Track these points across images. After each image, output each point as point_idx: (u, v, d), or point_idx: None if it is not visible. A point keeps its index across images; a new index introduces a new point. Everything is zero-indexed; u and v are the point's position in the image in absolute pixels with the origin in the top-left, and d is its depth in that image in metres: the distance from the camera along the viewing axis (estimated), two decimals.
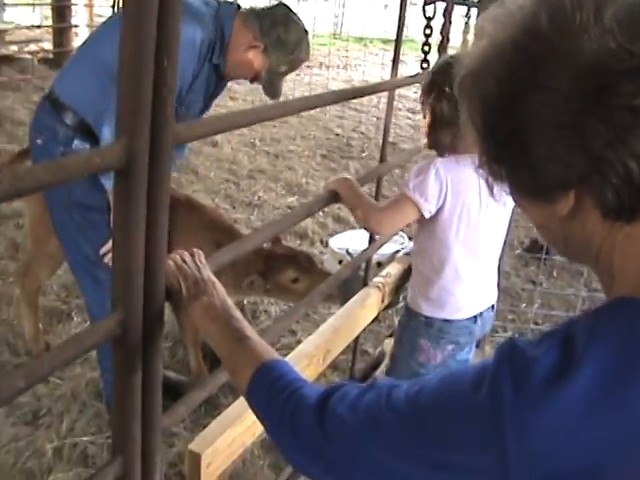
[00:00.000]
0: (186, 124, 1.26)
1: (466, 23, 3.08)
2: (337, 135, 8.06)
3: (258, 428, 1.82)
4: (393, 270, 2.88)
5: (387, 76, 9.86)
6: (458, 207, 2.07)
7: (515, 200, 0.92)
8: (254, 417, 1.72)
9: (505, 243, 2.37)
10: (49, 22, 10.73)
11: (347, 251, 3.80)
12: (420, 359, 2.31)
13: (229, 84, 2.75)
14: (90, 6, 10.91)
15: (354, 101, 8.56)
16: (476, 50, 0.86)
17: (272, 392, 1.04)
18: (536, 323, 4.11)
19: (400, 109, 9.12)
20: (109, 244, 2.28)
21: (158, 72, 1.05)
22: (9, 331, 3.32)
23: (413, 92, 9.19)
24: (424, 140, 2.32)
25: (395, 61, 2.52)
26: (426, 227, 2.16)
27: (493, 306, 2.35)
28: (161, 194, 1.15)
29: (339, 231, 5.08)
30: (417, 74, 2.70)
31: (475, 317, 2.27)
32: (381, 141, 2.61)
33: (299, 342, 3.60)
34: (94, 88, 2.26)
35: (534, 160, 0.81)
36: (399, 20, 2.44)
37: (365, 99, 8.60)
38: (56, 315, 3.58)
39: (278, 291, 3.01)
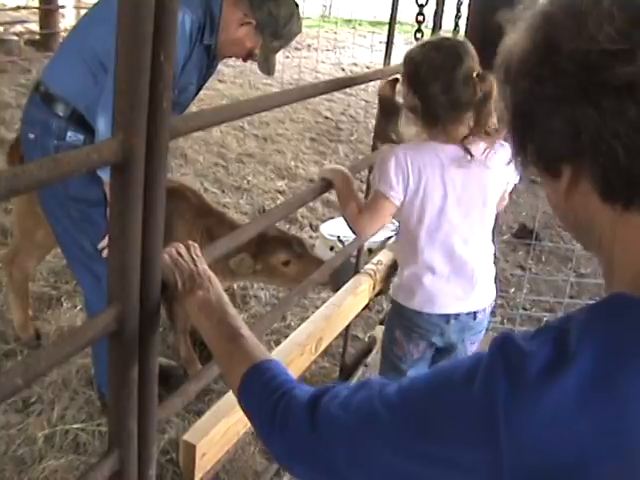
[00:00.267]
0: (182, 117, 1.25)
1: (458, 9, 3.06)
2: (326, 118, 8.04)
3: None
4: (384, 257, 2.89)
5: (376, 59, 9.77)
6: (420, 192, 2.02)
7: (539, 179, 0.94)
8: None
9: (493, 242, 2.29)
10: (35, 3, 10.59)
11: (338, 238, 3.80)
12: (397, 351, 2.28)
13: (217, 67, 2.72)
14: None
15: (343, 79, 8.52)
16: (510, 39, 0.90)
17: (264, 392, 1.04)
18: (525, 308, 4.13)
19: None
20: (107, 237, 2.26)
21: (155, 67, 1.04)
22: None
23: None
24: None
25: (388, 49, 2.51)
26: (399, 212, 2.13)
27: (476, 314, 2.19)
28: (158, 188, 1.14)
29: (328, 215, 5.08)
30: None
31: (448, 316, 2.16)
32: (369, 125, 2.61)
33: (289, 327, 3.63)
34: (84, 77, 2.24)
35: (538, 133, 0.84)
36: (392, 9, 2.43)
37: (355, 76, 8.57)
38: (45, 301, 3.56)
39: (268, 273, 2.98)
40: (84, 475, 1.20)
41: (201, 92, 2.70)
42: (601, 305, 0.80)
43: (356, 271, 2.79)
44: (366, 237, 2.25)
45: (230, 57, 2.60)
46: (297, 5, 2.50)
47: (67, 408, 2.79)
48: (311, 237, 4.70)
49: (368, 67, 10.80)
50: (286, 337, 2.91)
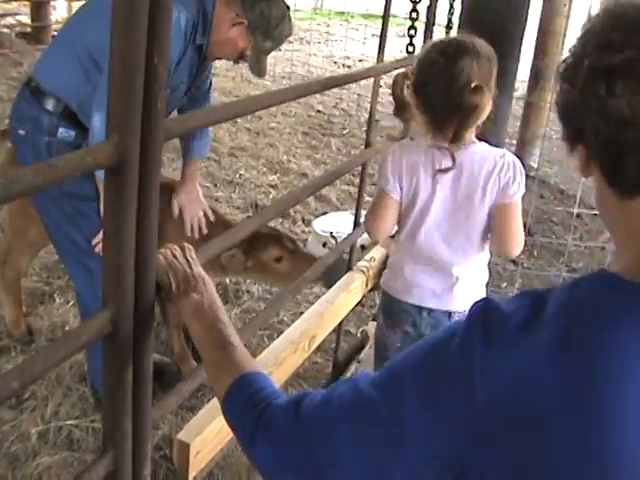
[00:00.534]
0: (176, 118, 1.26)
1: (451, 5, 3.06)
2: (318, 112, 8.02)
3: None
4: (377, 254, 2.89)
5: (368, 52, 9.71)
6: (411, 188, 2.11)
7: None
8: None
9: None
10: None
11: (331, 234, 3.81)
12: (382, 339, 2.33)
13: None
14: None
15: (337, 77, 8.50)
16: None
17: (249, 404, 1.04)
18: None
19: (381, 85, 9.05)
20: (101, 233, 2.26)
21: (149, 69, 1.04)
22: None
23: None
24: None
25: (381, 44, 2.51)
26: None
27: (452, 315, 2.19)
28: (152, 190, 1.15)
29: (321, 210, 5.08)
30: (403, 58, 2.70)
31: (421, 308, 2.19)
32: (362, 118, 2.62)
33: (282, 322, 3.63)
34: (76, 73, 2.23)
35: (560, 110, 0.90)
36: (385, 3, 2.43)
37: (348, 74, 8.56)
38: (38, 296, 3.55)
39: (259, 270, 2.97)
40: (79, 476, 1.20)
41: None
42: (585, 277, 0.85)
43: (349, 268, 2.79)
44: (378, 236, 2.29)
45: (221, 59, 2.59)
46: (288, 7, 2.51)
47: (61, 404, 2.79)
48: (304, 232, 4.70)
49: (361, 60, 10.78)
50: (279, 332, 2.91)
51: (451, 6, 3.05)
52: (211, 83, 2.78)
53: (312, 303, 2.65)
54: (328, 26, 13.10)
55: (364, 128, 2.71)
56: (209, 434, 1.70)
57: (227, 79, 8.78)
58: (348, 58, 11.07)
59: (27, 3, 9.79)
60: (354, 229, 2.76)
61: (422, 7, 2.73)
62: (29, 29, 9.27)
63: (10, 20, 9.83)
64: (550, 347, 0.78)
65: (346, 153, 6.55)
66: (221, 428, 1.77)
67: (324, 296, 2.56)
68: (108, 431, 1.27)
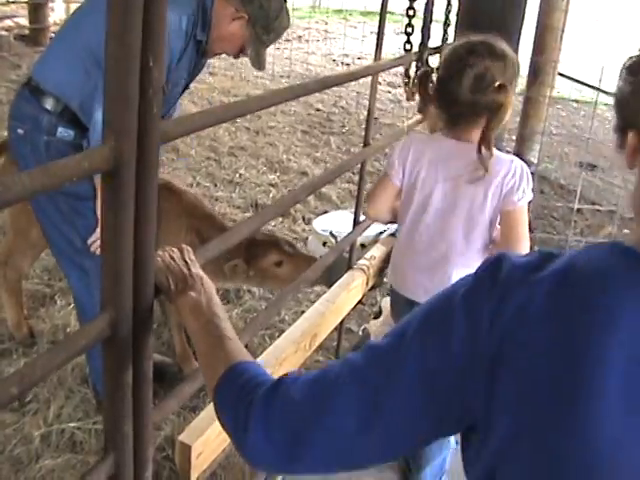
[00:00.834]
0: (173, 121, 1.25)
1: (448, 2, 3.05)
2: (318, 110, 8.01)
3: None
4: (377, 252, 2.90)
5: (367, 50, 9.72)
6: (412, 178, 2.17)
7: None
8: None
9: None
10: None
11: (331, 233, 3.80)
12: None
13: (208, 61, 2.71)
14: None
15: (335, 76, 8.50)
16: None
17: (242, 392, 1.03)
18: None
19: (380, 83, 9.06)
20: (97, 232, 2.26)
21: (144, 72, 1.04)
22: None
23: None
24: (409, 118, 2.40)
25: (378, 42, 2.51)
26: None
27: None
28: (149, 193, 1.15)
29: (321, 209, 5.08)
30: (401, 57, 2.69)
31: (413, 303, 2.19)
32: (361, 116, 2.63)
33: (283, 321, 3.64)
34: (78, 73, 2.21)
35: (616, 100, 0.94)
36: (382, 2, 2.43)
37: (346, 73, 8.56)
38: (39, 299, 3.55)
39: (261, 276, 2.98)
40: None
41: (192, 85, 2.69)
42: (597, 244, 0.89)
43: (349, 266, 2.79)
44: (372, 215, 2.37)
45: (220, 54, 2.59)
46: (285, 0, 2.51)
47: (63, 407, 2.79)
48: (304, 231, 4.70)
49: (359, 58, 10.77)
50: (280, 332, 2.91)
51: (449, 3, 3.04)
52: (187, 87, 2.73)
53: (313, 302, 2.65)
54: (326, 24, 13.11)
55: (363, 126, 2.70)
56: (211, 435, 1.70)
57: (226, 78, 8.78)
58: (347, 56, 11.06)
59: (25, 5, 9.78)
60: (354, 228, 2.75)
61: (419, 4, 2.72)
62: (27, 31, 9.25)
63: (8, 22, 9.81)
64: (550, 282, 0.82)
65: (346, 151, 6.55)
66: (222, 430, 1.77)
67: (325, 295, 2.56)
68: (109, 434, 1.27)
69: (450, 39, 2.95)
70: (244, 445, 1.00)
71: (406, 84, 2.64)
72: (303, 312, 2.51)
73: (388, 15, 2.58)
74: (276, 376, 1.05)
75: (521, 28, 3.16)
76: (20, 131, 2.32)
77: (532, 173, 2.15)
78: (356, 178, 4.23)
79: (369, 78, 2.63)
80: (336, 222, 4.03)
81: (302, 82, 2.03)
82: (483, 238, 2.12)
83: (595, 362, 0.76)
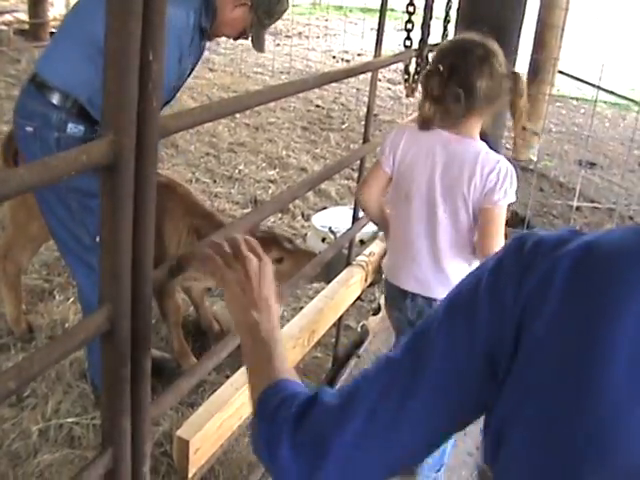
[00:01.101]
0: (172, 116, 1.25)
1: None
2: (317, 107, 8.01)
3: (245, 411, 1.84)
4: (376, 249, 2.90)
5: (367, 46, 9.70)
6: (402, 166, 2.19)
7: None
8: (241, 400, 1.74)
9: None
10: None
11: (330, 229, 3.80)
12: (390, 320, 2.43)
13: (207, 56, 2.73)
14: None
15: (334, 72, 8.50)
16: None
17: (281, 405, 0.99)
18: None
19: (380, 79, 9.04)
20: None
21: (144, 67, 1.04)
22: None
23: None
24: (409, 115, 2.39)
25: (378, 39, 2.50)
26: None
27: (433, 302, 2.21)
28: (148, 189, 1.15)
29: (320, 205, 5.08)
30: (401, 53, 2.69)
31: (405, 293, 2.24)
32: (361, 112, 2.63)
33: (282, 317, 3.63)
34: (84, 66, 2.17)
35: None
36: (382, 4, 2.43)
37: (345, 69, 8.55)
38: (38, 294, 3.55)
39: None
40: (78, 475, 1.20)
41: (192, 81, 2.71)
42: (622, 226, 0.90)
43: (348, 263, 2.79)
44: (362, 201, 2.37)
45: (221, 37, 2.61)
46: None
47: (61, 402, 2.79)
48: (303, 227, 4.70)
49: (359, 54, 10.77)
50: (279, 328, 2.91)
51: (449, 0, 3.04)
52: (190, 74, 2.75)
53: (312, 298, 2.66)
54: (326, 20, 13.11)
55: (363, 122, 2.71)
56: (208, 431, 1.70)
57: (226, 74, 8.77)
58: (347, 52, 11.06)
59: (24, 0, 9.78)
60: (353, 224, 2.75)
61: (420, 1, 2.72)
62: (27, 26, 9.25)
63: (8, 17, 9.81)
64: (575, 255, 0.81)
65: (345, 147, 6.55)
66: (221, 424, 1.77)
67: (323, 291, 2.56)
68: (107, 429, 1.27)
69: (450, 36, 2.95)
70: (274, 459, 0.96)
71: (406, 81, 2.64)
72: (302, 308, 2.51)
73: (388, 12, 2.59)
74: None
75: (521, 26, 3.16)
76: (29, 129, 2.28)
77: (532, 170, 2.16)
78: (355, 174, 4.23)
79: (369, 75, 2.63)
80: (335, 218, 4.03)
81: (302, 77, 2.02)
82: (471, 228, 2.14)
83: (608, 331, 0.75)
